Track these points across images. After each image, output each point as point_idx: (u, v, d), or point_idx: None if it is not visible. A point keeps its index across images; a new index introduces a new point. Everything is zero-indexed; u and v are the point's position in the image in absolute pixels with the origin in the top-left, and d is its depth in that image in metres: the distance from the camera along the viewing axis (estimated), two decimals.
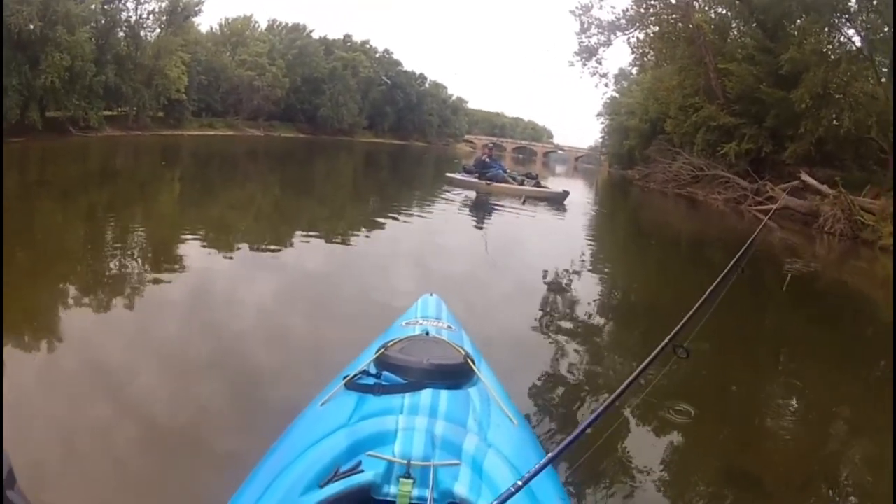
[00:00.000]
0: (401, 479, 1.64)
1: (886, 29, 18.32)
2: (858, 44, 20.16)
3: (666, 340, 1.74)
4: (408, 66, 74.64)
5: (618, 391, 1.55)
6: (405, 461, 1.68)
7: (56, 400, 3.59)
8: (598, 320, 7.08)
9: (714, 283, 2.02)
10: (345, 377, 2.27)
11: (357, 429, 1.86)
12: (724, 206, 22.92)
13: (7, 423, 2.17)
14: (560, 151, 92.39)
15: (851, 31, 20.37)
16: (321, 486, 1.62)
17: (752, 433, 4.45)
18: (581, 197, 23.39)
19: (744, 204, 21.88)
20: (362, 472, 1.66)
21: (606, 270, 10.32)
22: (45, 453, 2.94)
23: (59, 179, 15.64)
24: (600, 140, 60.27)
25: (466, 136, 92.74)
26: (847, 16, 20.06)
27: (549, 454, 1.36)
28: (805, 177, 19.55)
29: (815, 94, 19.97)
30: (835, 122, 19.92)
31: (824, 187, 18.24)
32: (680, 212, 23.86)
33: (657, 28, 29.33)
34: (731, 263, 2.16)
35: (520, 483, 1.30)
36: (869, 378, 6.34)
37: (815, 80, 19.64)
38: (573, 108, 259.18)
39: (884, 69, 19.22)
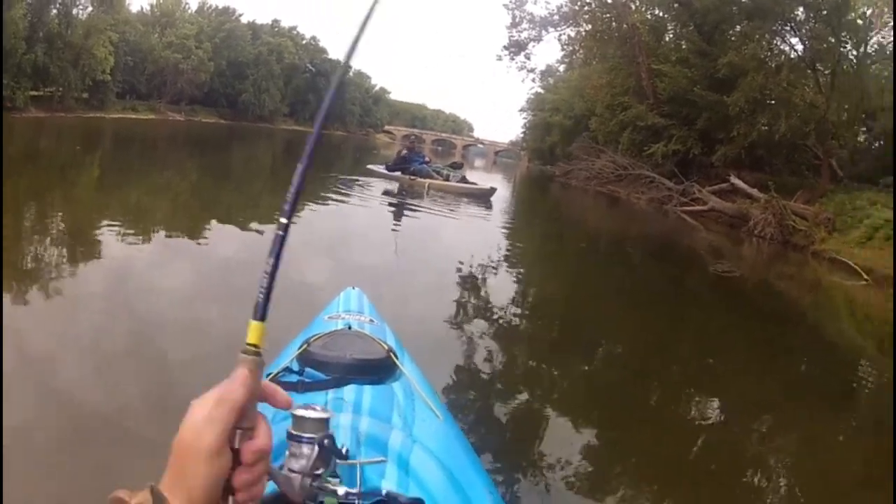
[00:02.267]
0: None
1: (832, 39, 18.38)
2: (801, 52, 20.29)
3: None
4: (333, 54, 74.10)
5: None
6: None
7: None
8: (517, 315, 7.12)
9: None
10: (268, 375, 2.08)
11: (281, 429, 1.40)
12: (647, 205, 22.91)
13: None
14: (480, 145, 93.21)
15: (795, 40, 20.49)
16: None
17: (668, 425, 4.52)
18: (501, 191, 22.91)
19: (668, 204, 21.87)
20: None
21: (524, 266, 10.22)
22: None
23: None
24: (521, 135, 60.58)
25: (386, 127, 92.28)
26: (792, 24, 20.04)
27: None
28: (734, 180, 19.53)
29: (751, 99, 19.94)
30: (769, 127, 19.88)
31: (754, 191, 18.21)
32: (601, 210, 23.83)
33: (590, 26, 29.21)
34: None
35: None
36: (788, 376, 6.46)
37: (753, 85, 19.57)
38: (495, 103, 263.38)
39: (822, 79, 19.37)
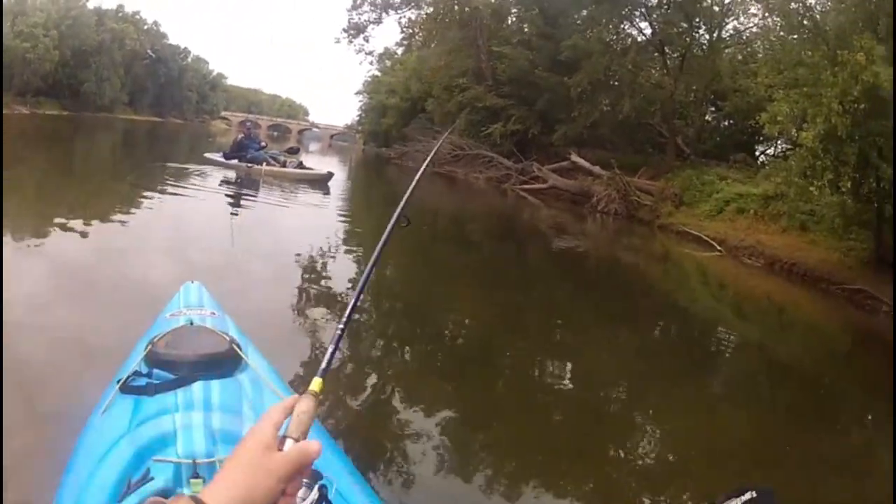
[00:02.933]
0: (191, 481, 1.59)
1: (684, 24, 18.70)
2: (649, 35, 20.49)
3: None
4: (174, 38, 72.31)
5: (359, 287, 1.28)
6: (191, 461, 1.64)
7: None
8: (375, 294, 6.95)
9: (382, 240, 1.43)
10: (118, 380, 2.18)
11: (138, 435, 1.80)
12: (486, 184, 22.63)
13: None
14: (315, 129, 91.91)
15: (644, 24, 20.67)
16: (119, 503, 1.56)
17: (526, 399, 4.49)
18: (337, 175, 22.25)
19: (507, 183, 21.64)
20: (153, 479, 1.60)
21: (364, 251, 9.75)
22: None
23: None
24: (357, 118, 60.05)
25: (223, 114, 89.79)
26: (643, 9, 20.28)
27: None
28: (575, 157, 19.38)
29: (594, 80, 19.91)
30: (612, 107, 20.03)
31: (596, 168, 18.07)
32: (439, 190, 23.17)
33: (431, 9, 29.15)
34: (395, 215, 1.52)
35: None
36: (645, 344, 6.48)
37: (598, 67, 19.55)
38: (331, 87, 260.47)
39: (670, 62, 19.72)
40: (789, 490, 3.47)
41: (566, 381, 5.09)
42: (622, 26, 21.33)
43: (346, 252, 9.20)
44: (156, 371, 2.12)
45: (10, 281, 5.53)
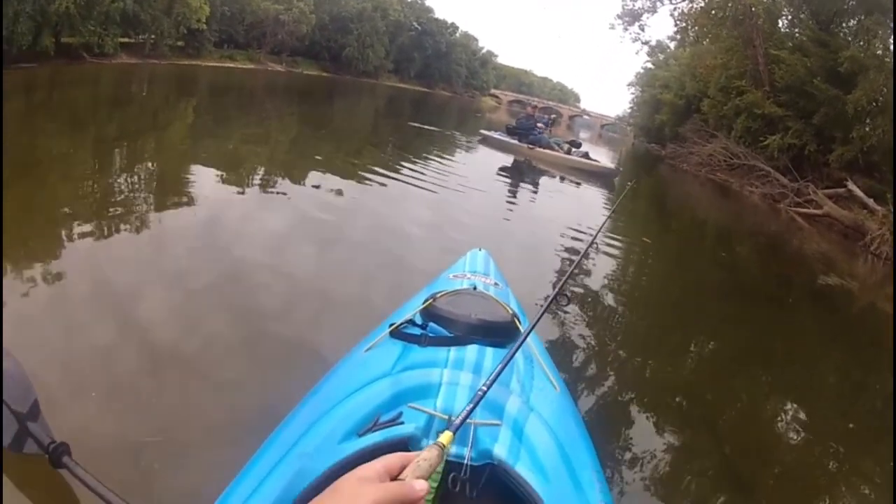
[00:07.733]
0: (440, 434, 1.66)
1: None
2: None
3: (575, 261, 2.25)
4: (440, 14, 72.72)
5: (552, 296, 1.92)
6: (446, 416, 1.65)
7: (70, 339, 3.38)
8: (627, 298, 7.05)
9: (599, 228, 2.37)
10: (391, 325, 2.26)
11: (400, 379, 1.84)
12: (761, 201, 22.03)
13: (20, 353, 2.27)
14: (586, 117, 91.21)
15: None
16: (360, 435, 1.60)
17: (755, 431, 4.52)
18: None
19: (782, 203, 20.98)
20: (402, 423, 1.64)
21: (635, 251, 9.98)
22: (63, 389, 2.86)
23: (62, 105, 14.58)
24: (628, 111, 59.22)
25: (493, 91, 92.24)
26: None
27: (529, 326, 1.66)
28: (851, 186, 18.78)
29: (872, 99, 18.98)
30: (883, 133, 18.83)
31: (870, 201, 17.53)
32: (712, 198, 22.88)
33: (704, 2, 28.26)
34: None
35: (485, 388, 1.31)
36: (869, 400, 6.16)
37: (875, 85, 18.62)
38: (603, 75, 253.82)
39: None
40: None
41: (795, 424, 4.90)
42: (891, 41, 19.79)
43: (621, 252, 9.14)
44: (431, 325, 2.18)
45: (274, 226, 6.29)
